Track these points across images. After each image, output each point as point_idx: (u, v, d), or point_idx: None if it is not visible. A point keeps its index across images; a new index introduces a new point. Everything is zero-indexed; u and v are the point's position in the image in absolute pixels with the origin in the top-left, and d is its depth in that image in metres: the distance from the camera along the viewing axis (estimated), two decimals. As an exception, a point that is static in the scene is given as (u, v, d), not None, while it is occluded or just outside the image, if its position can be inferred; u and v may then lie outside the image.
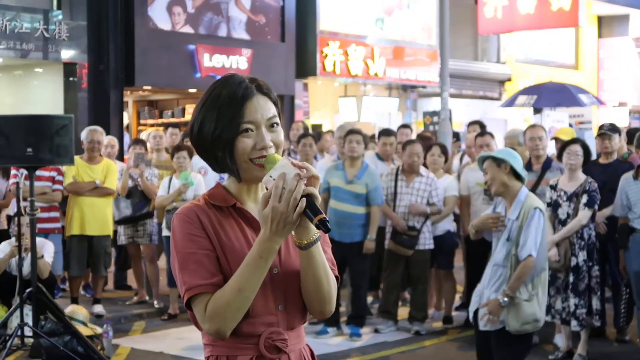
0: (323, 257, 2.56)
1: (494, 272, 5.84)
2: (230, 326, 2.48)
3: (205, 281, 2.49)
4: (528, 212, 5.70)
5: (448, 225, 9.59)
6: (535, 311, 5.71)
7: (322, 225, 2.40)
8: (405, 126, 12.93)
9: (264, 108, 2.57)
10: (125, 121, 17.04)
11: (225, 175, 2.69)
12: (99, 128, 10.00)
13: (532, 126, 9.22)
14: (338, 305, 9.25)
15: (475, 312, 5.92)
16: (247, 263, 2.46)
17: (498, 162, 5.76)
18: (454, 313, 9.78)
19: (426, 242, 9.12)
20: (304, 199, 2.41)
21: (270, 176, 2.45)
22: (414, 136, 12.58)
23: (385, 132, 10.55)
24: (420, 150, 9.10)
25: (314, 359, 2.74)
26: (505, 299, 5.65)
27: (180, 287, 2.54)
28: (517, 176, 5.78)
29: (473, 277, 9.54)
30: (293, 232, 2.50)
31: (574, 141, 8.14)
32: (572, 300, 7.71)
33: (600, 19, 27.98)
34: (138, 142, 10.66)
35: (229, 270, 2.51)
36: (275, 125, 2.59)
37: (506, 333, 5.71)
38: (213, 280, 2.49)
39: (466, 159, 11.07)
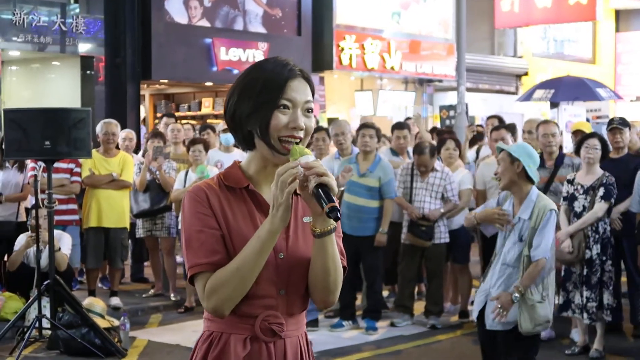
0: (335, 248, 2.59)
1: (502, 272, 5.76)
2: (227, 305, 2.52)
3: (206, 259, 2.53)
4: (543, 213, 5.64)
5: (463, 219, 9.56)
6: (547, 312, 5.68)
7: (332, 213, 2.43)
8: (409, 118, 12.89)
9: (303, 91, 2.62)
10: (142, 114, 17.10)
11: None
12: (113, 120, 10.05)
13: (545, 122, 9.06)
14: (354, 298, 9.28)
15: (481, 311, 5.85)
16: (249, 243, 2.50)
17: (512, 158, 5.71)
18: (470, 307, 9.76)
19: (442, 236, 9.13)
20: (295, 182, 2.45)
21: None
22: (415, 129, 12.44)
23: (398, 126, 10.52)
24: (426, 154, 9.05)
25: (309, 347, 2.76)
26: (517, 295, 5.59)
27: (186, 264, 2.59)
28: (529, 177, 5.72)
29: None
30: (310, 220, 2.55)
31: (592, 135, 8.11)
32: (585, 294, 7.69)
33: (617, 13, 27.87)
34: (156, 135, 10.67)
35: (233, 251, 2.55)
36: (309, 111, 2.63)
37: (516, 334, 5.66)
38: (214, 259, 2.53)
39: (486, 150, 11.03)
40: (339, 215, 2.45)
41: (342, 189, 8.71)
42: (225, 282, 2.50)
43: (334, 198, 2.46)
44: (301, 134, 2.59)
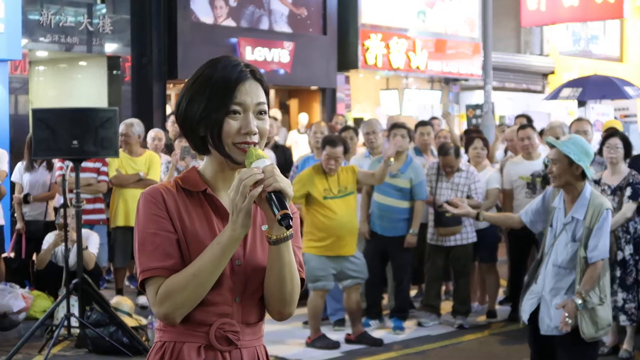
0: (292, 256, 2.52)
1: (553, 274, 5.51)
2: (179, 312, 2.45)
3: (160, 264, 2.46)
4: (599, 212, 5.39)
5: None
6: (608, 315, 5.48)
7: (283, 221, 2.39)
8: (434, 118, 12.90)
9: (255, 93, 2.54)
10: (168, 114, 17.16)
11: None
12: (132, 120, 10.03)
13: (579, 120, 9.15)
14: (380, 298, 9.29)
15: (534, 315, 5.61)
16: (207, 249, 2.44)
17: (571, 161, 5.39)
18: (497, 307, 9.75)
19: (469, 235, 9.11)
20: (258, 188, 2.40)
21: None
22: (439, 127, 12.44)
23: (422, 123, 10.52)
24: (451, 155, 9.04)
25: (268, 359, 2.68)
26: (580, 301, 5.34)
27: (137, 267, 2.52)
28: (584, 175, 5.45)
29: (516, 271, 9.53)
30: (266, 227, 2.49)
31: (613, 134, 8.06)
32: (620, 295, 7.63)
33: (646, 11, 27.66)
34: (183, 135, 10.70)
35: (188, 256, 2.49)
36: (263, 113, 2.56)
37: (575, 339, 5.41)
38: (168, 263, 2.47)
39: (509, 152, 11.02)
40: (290, 223, 2.39)
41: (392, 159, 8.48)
42: (181, 288, 2.43)
43: (287, 205, 2.41)
44: (255, 138, 2.52)
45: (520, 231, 7.87)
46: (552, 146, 5.63)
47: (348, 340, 8.41)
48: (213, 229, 2.53)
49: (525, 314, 5.72)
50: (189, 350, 2.51)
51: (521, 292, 5.92)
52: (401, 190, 8.86)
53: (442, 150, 9.16)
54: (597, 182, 7.84)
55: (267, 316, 2.65)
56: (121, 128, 9.78)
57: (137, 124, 10.00)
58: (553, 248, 5.57)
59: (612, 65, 25.39)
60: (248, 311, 2.57)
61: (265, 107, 2.58)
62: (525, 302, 5.73)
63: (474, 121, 16.51)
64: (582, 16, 21.96)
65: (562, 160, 5.44)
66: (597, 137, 10.57)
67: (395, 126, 9.22)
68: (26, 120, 12.57)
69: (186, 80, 2.61)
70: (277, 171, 2.44)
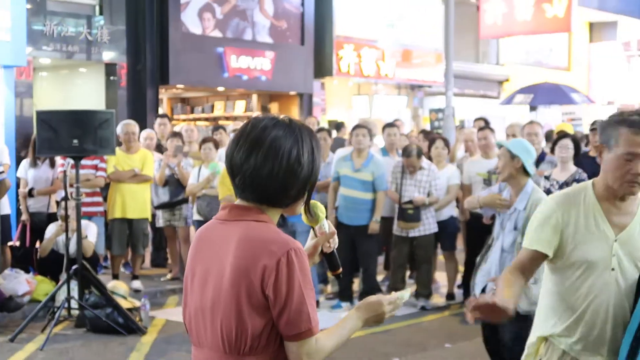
0: None
1: (501, 257, 5.78)
2: None
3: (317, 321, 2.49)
4: (536, 204, 5.50)
5: (451, 211, 9.63)
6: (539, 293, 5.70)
7: (338, 276, 2.77)
8: (397, 120, 12.96)
9: None
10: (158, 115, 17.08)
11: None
12: (131, 121, 10.17)
13: (530, 123, 9.22)
14: (351, 282, 9.33)
15: (483, 290, 5.82)
16: (350, 330, 2.64)
17: (512, 154, 5.68)
18: (455, 290, 9.83)
19: (431, 226, 9.19)
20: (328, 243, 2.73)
21: (323, 226, 2.64)
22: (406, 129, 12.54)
23: (389, 125, 10.58)
24: (414, 156, 9.11)
25: None
26: None
27: (305, 320, 2.44)
28: (526, 171, 5.70)
29: (472, 258, 9.60)
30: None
31: (565, 136, 8.16)
32: None
33: (591, 25, 27.84)
34: (175, 135, 10.72)
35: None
36: None
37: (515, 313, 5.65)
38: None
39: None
40: (340, 277, 2.79)
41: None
42: (333, 349, 2.58)
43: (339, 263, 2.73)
44: None
45: (476, 222, 7.97)
46: (500, 146, 5.91)
47: None
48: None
49: (477, 288, 5.96)
50: None
51: (472, 272, 6.11)
52: (364, 183, 8.95)
53: (406, 152, 9.23)
54: (547, 178, 7.93)
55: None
56: (127, 128, 9.82)
57: (136, 124, 10.06)
58: (501, 234, 5.84)
59: (561, 74, 25.53)
60: None
61: None
62: (477, 278, 5.98)
63: (436, 124, 16.59)
64: (534, 29, 22.04)
65: (505, 154, 5.74)
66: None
67: (357, 126, 9.32)
68: (30, 121, 12.51)
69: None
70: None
